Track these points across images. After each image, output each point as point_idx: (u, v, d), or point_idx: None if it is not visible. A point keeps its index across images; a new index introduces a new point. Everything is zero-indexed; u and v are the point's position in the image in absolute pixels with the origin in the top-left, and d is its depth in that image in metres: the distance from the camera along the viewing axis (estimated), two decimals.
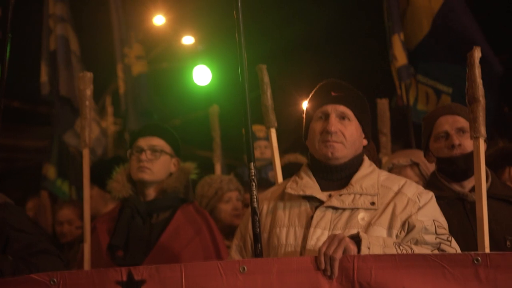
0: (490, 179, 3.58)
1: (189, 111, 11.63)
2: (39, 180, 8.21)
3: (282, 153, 6.70)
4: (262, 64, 3.70)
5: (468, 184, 3.59)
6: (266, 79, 3.64)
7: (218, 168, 6.17)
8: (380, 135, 5.76)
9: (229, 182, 5.09)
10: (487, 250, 3.06)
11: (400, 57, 6.89)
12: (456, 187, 3.59)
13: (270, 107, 3.69)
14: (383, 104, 5.87)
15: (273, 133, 3.75)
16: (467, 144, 3.54)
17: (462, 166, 3.56)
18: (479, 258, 2.60)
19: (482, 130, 3.22)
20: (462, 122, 3.59)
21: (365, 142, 3.11)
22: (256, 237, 2.98)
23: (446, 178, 3.64)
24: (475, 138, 3.23)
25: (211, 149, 6.45)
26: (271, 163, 6.40)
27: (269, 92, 3.66)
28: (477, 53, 3.23)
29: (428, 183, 3.68)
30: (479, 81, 3.21)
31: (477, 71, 3.21)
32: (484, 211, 3.14)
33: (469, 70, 3.23)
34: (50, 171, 8.66)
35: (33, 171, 9.54)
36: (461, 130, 3.59)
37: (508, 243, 3.37)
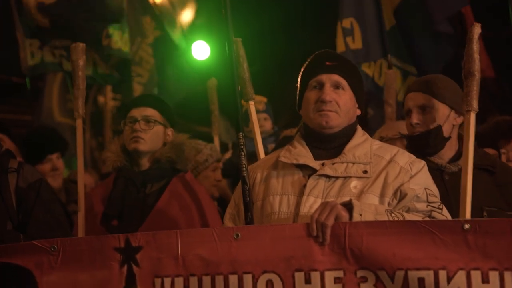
0: None
1: (188, 86, 11.62)
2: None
3: (281, 127, 6.75)
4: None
5: (445, 155, 3.62)
6: (242, 52, 3.70)
7: (216, 140, 6.21)
8: (386, 105, 5.78)
9: (216, 151, 5.13)
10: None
11: (340, 43, 7.02)
12: (434, 159, 3.61)
13: (247, 79, 3.74)
14: (390, 75, 5.89)
15: (252, 106, 3.80)
16: (430, 121, 3.55)
17: (423, 145, 3.58)
18: (469, 225, 2.64)
19: (474, 104, 3.28)
20: (426, 99, 3.58)
21: (358, 111, 3.14)
22: (246, 206, 3.03)
23: None
24: (467, 111, 3.30)
25: (210, 125, 6.48)
26: (270, 136, 6.50)
27: (245, 65, 3.71)
28: (477, 29, 3.28)
29: None
30: (477, 56, 3.27)
31: (475, 46, 3.27)
32: (468, 183, 3.23)
33: (468, 45, 3.29)
34: None
35: None
36: (422, 107, 3.58)
37: (484, 213, 3.42)
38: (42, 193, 3.59)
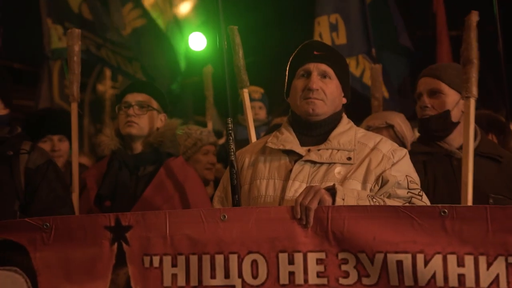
0: (479, 137, 3.70)
1: (185, 76, 11.70)
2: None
3: (275, 116, 6.85)
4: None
5: (455, 141, 3.71)
6: (238, 40, 3.75)
7: (210, 126, 6.31)
8: (372, 99, 5.87)
9: (208, 134, 5.20)
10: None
11: (326, 39, 7.12)
12: (444, 144, 3.71)
13: (242, 67, 3.79)
14: (376, 70, 5.98)
15: (246, 93, 3.87)
16: (439, 106, 3.66)
17: (431, 127, 3.69)
18: (446, 210, 2.73)
19: (474, 90, 3.35)
20: (436, 84, 3.69)
21: (344, 100, 3.23)
22: (234, 189, 3.13)
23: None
24: (466, 97, 3.37)
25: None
26: (264, 124, 6.60)
27: (240, 53, 3.76)
28: (474, 17, 3.35)
29: (418, 140, 3.86)
30: (475, 43, 3.33)
31: (473, 34, 3.32)
32: (470, 168, 3.27)
33: (466, 33, 3.34)
34: None
35: None
36: (432, 92, 3.70)
37: (490, 200, 3.50)
38: (49, 174, 3.65)
